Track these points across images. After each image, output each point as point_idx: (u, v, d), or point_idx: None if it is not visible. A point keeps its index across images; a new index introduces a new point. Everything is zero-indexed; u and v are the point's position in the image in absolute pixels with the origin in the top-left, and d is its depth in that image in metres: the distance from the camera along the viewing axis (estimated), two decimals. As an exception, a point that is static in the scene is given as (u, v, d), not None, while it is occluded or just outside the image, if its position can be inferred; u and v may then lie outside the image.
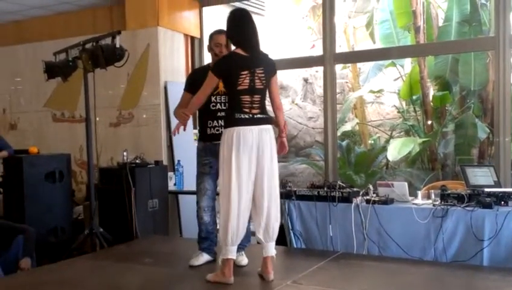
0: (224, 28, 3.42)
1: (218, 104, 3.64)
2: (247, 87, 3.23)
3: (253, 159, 3.22)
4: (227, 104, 3.50)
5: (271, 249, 3.33)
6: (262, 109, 3.29)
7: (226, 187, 3.23)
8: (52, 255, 4.61)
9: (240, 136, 3.20)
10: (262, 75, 3.25)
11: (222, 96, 3.61)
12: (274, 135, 3.33)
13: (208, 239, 3.75)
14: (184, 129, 3.47)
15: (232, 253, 3.28)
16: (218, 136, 3.43)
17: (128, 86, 6.06)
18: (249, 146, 3.20)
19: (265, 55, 3.35)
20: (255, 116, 3.25)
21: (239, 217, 3.23)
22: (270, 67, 3.34)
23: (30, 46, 6.66)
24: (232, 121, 3.25)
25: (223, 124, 3.46)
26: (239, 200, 3.22)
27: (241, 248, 3.64)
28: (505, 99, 4.85)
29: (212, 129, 3.69)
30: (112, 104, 6.12)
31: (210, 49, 3.70)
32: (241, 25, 3.30)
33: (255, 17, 3.34)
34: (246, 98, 3.25)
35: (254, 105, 3.26)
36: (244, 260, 3.70)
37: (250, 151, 3.21)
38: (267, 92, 3.36)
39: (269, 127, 3.29)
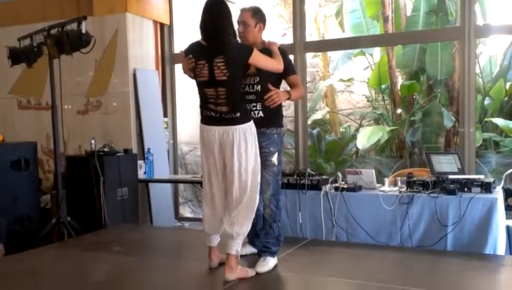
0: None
1: (247, 87, 3.26)
2: (207, 78, 3.06)
3: (216, 158, 3.13)
4: (255, 87, 3.28)
5: (228, 246, 3.11)
6: (232, 106, 3.05)
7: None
8: (19, 244, 4.52)
9: (202, 135, 3.17)
10: (223, 64, 3.00)
11: (251, 78, 3.28)
12: (248, 133, 3.08)
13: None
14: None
15: (207, 241, 3.30)
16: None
17: (96, 73, 5.96)
18: (210, 147, 3.13)
19: (226, 43, 3.04)
20: (222, 115, 3.06)
21: (210, 207, 3.23)
22: (235, 54, 3.05)
23: (-6, 31, 6.47)
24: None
25: (252, 108, 3.25)
26: (209, 192, 3.23)
27: (263, 251, 3.38)
28: (469, 89, 4.95)
29: None
30: (80, 92, 6.01)
31: None
32: (201, 14, 3.10)
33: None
34: (210, 91, 3.08)
35: (219, 101, 3.05)
36: (262, 267, 3.30)
37: (212, 151, 3.12)
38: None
39: (235, 127, 3.05)
